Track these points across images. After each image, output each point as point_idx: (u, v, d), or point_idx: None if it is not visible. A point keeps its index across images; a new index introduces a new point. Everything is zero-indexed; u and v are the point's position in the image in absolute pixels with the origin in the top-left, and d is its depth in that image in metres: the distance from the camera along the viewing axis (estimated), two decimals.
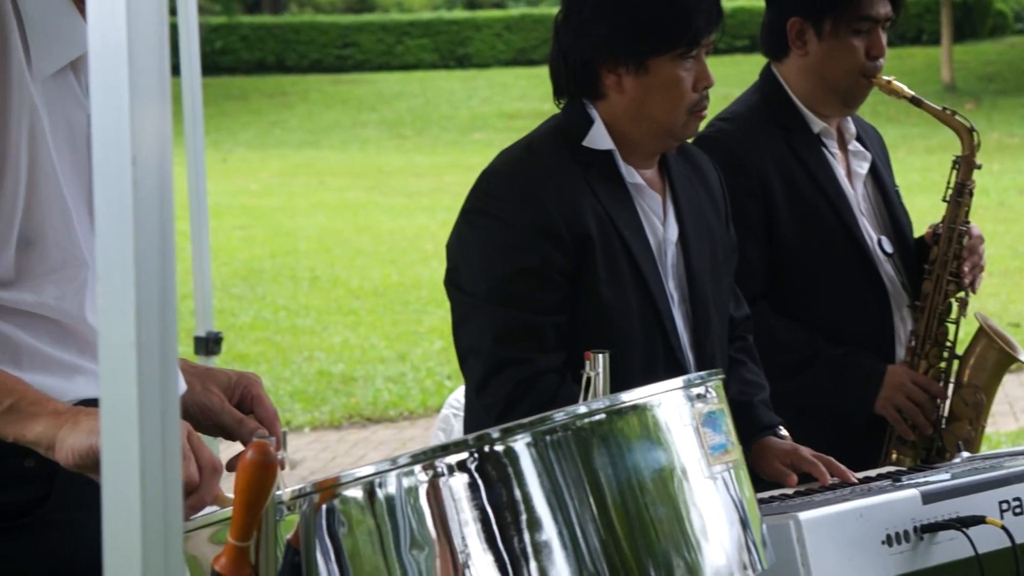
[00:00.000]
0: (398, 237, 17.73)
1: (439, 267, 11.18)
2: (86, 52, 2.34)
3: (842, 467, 3.17)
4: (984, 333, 3.72)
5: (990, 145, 29.43)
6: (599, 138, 3.12)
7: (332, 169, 25.65)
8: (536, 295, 3.03)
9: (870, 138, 3.91)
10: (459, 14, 40.64)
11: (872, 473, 3.18)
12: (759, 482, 3.21)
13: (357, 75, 37.73)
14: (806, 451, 3.22)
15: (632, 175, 3.15)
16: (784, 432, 3.31)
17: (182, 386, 2.36)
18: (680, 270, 3.18)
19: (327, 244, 16.92)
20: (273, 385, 9.84)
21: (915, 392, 3.63)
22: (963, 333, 3.81)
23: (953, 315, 3.72)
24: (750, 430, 3.26)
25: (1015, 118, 31.97)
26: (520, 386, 3.03)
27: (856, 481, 3.09)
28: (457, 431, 4.97)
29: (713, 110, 3.41)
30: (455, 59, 39.23)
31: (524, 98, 34.73)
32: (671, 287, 3.15)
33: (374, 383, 10.07)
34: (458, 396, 5.14)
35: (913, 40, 39.92)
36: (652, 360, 3.09)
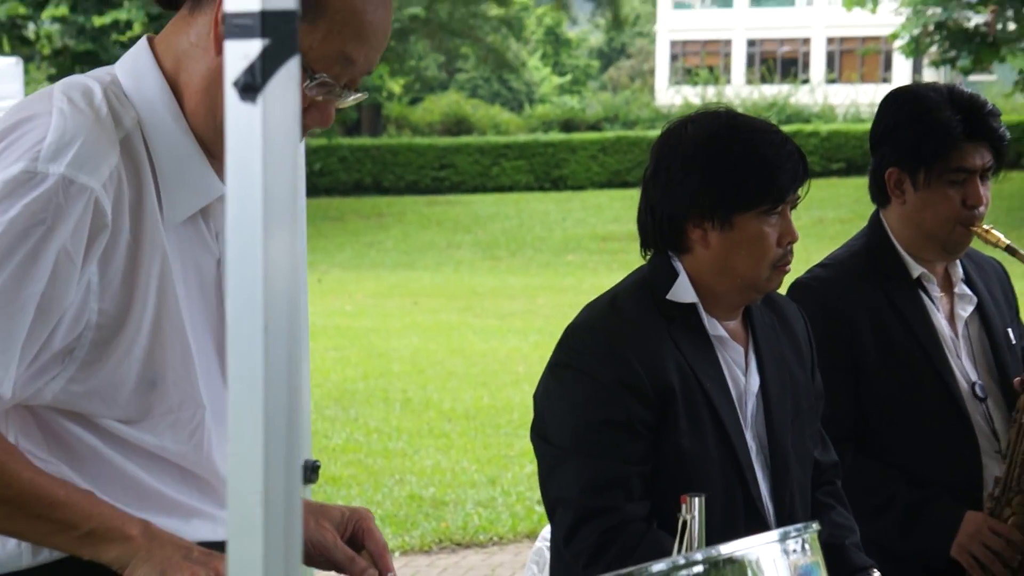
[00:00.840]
0: (490, 359, 17.80)
1: (530, 389, 11.15)
2: (215, 200, 2.45)
3: None
4: None
5: None
6: (683, 291, 3.18)
7: (426, 290, 25.88)
8: (621, 446, 3.09)
9: (986, 275, 3.92)
10: (555, 136, 41.06)
11: None
12: None
13: (452, 196, 38.19)
14: None
15: (715, 327, 3.20)
16: (878, 574, 3.31)
17: None
18: (760, 421, 3.22)
19: (420, 366, 17.03)
20: (366, 504, 9.88)
21: (992, 540, 3.60)
22: None
23: None
24: (844, 572, 3.27)
25: None
26: (607, 534, 3.08)
27: None
28: (550, 564, 4.99)
29: (806, 231, 3.44)
30: (550, 181, 39.60)
31: (618, 220, 34.94)
32: (751, 437, 3.19)
33: (464, 507, 10.08)
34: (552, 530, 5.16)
35: (1012, 164, 39.78)
36: (732, 509, 3.13)
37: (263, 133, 1.42)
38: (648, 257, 3.28)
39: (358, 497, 10.24)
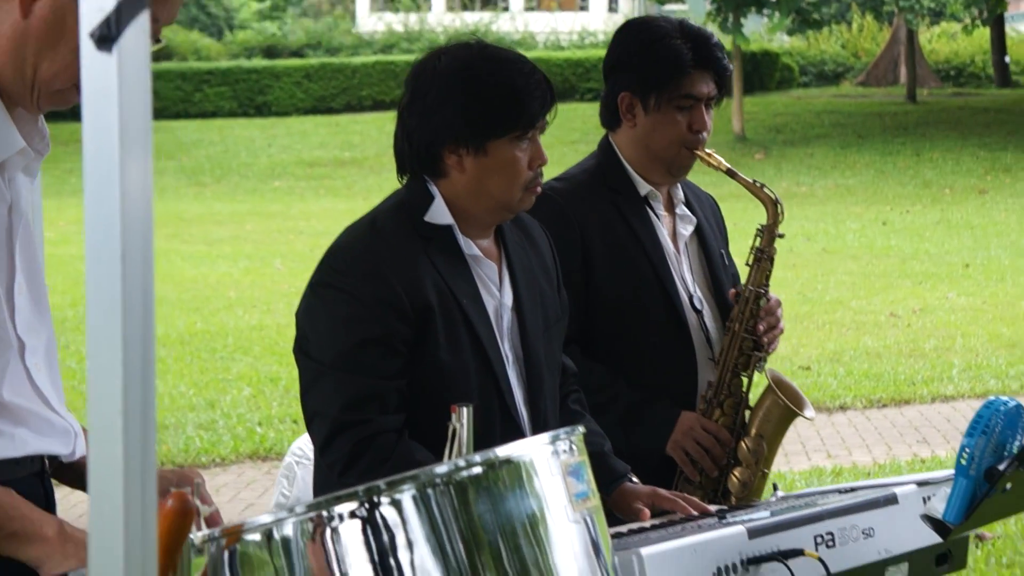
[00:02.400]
0: (200, 285, 17.76)
1: (244, 314, 11.33)
2: (9, 156, 2.59)
3: (698, 501, 3.49)
4: (772, 389, 4.02)
5: (779, 194, 30.30)
6: (439, 213, 3.36)
7: None
8: (380, 362, 3.24)
9: (702, 203, 4.21)
10: (258, 63, 40.63)
11: (695, 512, 3.48)
12: (613, 518, 3.49)
13: (155, 122, 37.36)
14: (664, 492, 3.53)
15: (470, 247, 3.39)
16: (635, 477, 3.60)
17: None
18: (515, 333, 3.42)
19: None
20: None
21: (703, 437, 3.92)
22: (759, 386, 4.11)
23: (748, 370, 4.01)
24: (608, 479, 3.56)
25: (802, 168, 33.01)
26: (360, 445, 3.24)
27: (713, 512, 3.41)
28: (300, 477, 5.17)
29: (570, 157, 3.69)
30: (254, 107, 39.22)
31: (323, 146, 34.91)
32: (506, 349, 3.40)
33: (185, 430, 10.14)
34: (300, 444, 5.33)
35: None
36: (488, 417, 3.32)
37: (119, 81, 1.58)
38: (404, 181, 3.45)
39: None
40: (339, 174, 31.36)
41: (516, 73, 3.33)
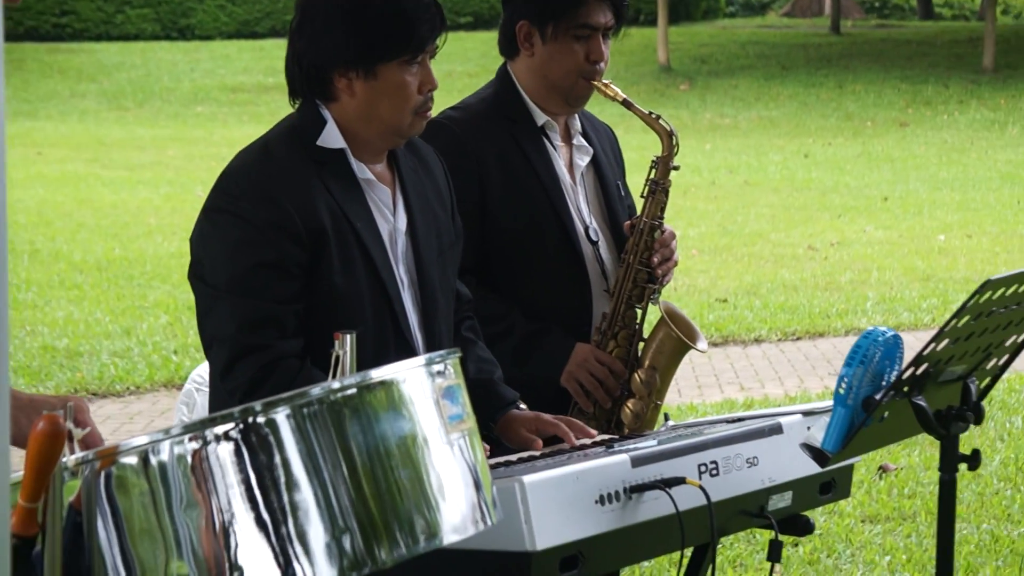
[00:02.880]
0: (120, 211, 17.62)
1: (163, 241, 11.29)
2: None
3: (583, 425, 3.53)
4: (664, 322, 4.05)
5: (703, 125, 30.47)
6: (332, 138, 3.35)
7: (50, 140, 25.23)
8: (275, 286, 3.25)
9: (599, 134, 4.22)
10: None
11: (588, 440, 3.52)
12: (503, 447, 3.52)
13: (75, 44, 37.05)
14: (548, 417, 3.55)
15: (363, 171, 3.39)
16: (523, 405, 3.63)
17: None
18: (409, 257, 3.43)
19: (47, 217, 16.74)
20: None
21: (597, 369, 3.95)
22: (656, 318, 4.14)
23: (643, 302, 4.04)
24: (495, 406, 3.58)
25: (727, 99, 33.09)
26: (263, 370, 3.25)
27: (596, 435, 3.45)
28: (200, 405, 5.17)
29: (465, 87, 3.69)
30: (177, 30, 38.79)
31: (247, 71, 34.59)
32: (401, 273, 3.41)
33: (100, 358, 10.09)
34: (200, 372, 5.33)
35: (630, 21, 40.68)
36: (383, 341, 3.34)
37: None
38: (296, 105, 3.44)
39: None
40: (263, 100, 31.11)
41: None
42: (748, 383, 9.71)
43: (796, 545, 6.16)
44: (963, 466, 7.22)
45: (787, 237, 16.18)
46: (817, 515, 6.49)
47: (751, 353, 10.63)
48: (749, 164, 23.93)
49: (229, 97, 32.33)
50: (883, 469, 7.14)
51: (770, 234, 16.39)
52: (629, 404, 4.00)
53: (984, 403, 8.65)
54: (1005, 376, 9.41)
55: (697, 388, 9.55)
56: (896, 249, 15.25)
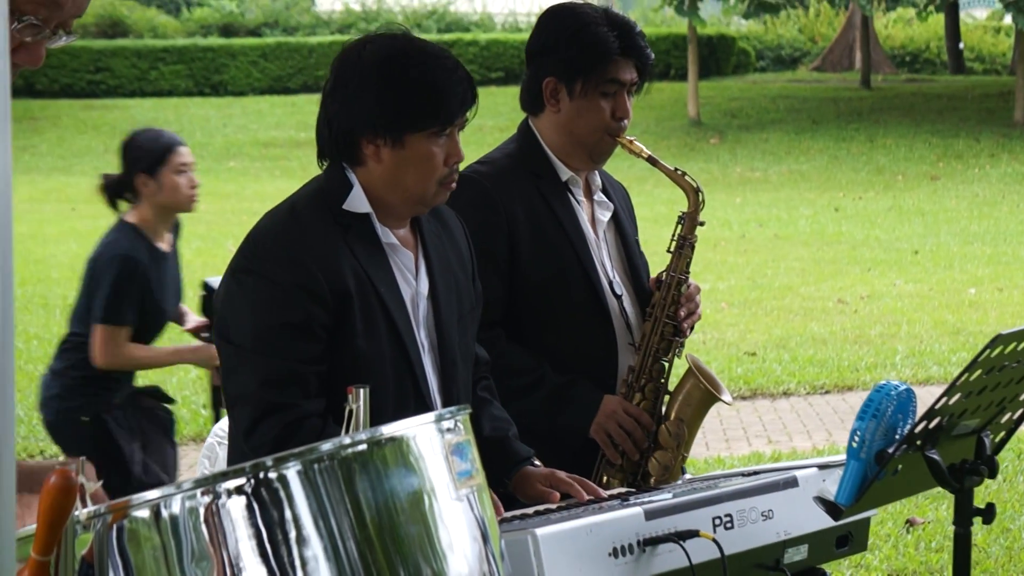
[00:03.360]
0: None
1: (194, 296, 11.21)
2: None
3: (594, 486, 3.54)
4: (692, 373, 4.08)
5: (733, 179, 30.52)
6: (358, 202, 3.40)
7: (83, 196, 25.27)
8: (300, 346, 3.28)
9: (616, 191, 4.28)
10: (214, 41, 40.43)
11: (605, 494, 3.54)
12: (517, 504, 3.55)
13: (109, 100, 37.33)
14: (562, 474, 3.58)
15: (387, 235, 3.43)
16: (538, 461, 3.66)
17: None
18: (430, 322, 3.47)
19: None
20: (26, 415, 9.86)
21: (625, 420, 3.99)
22: (679, 371, 4.16)
23: (669, 355, 4.08)
24: (510, 462, 3.62)
25: (756, 152, 33.13)
26: (287, 429, 3.28)
27: (606, 498, 3.46)
28: (221, 459, 5.20)
29: (466, 139, 3.74)
30: (210, 86, 39.06)
31: (279, 126, 34.81)
32: (422, 337, 3.44)
33: None
34: (223, 426, 5.35)
35: (661, 75, 40.98)
36: (403, 403, 3.37)
37: None
38: (324, 167, 3.49)
39: (20, 403, 10.21)
40: (294, 155, 31.31)
41: (438, 69, 3.37)
42: (776, 436, 9.70)
43: None
44: (991, 523, 7.19)
45: (817, 291, 16.18)
46: (843, 570, 6.48)
47: (779, 407, 10.62)
48: (779, 218, 23.93)
49: (261, 152, 32.54)
50: (910, 523, 7.12)
51: (800, 288, 16.39)
52: (656, 456, 4.02)
53: (1012, 456, 8.67)
54: None
55: (725, 441, 9.55)
56: (926, 303, 15.23)
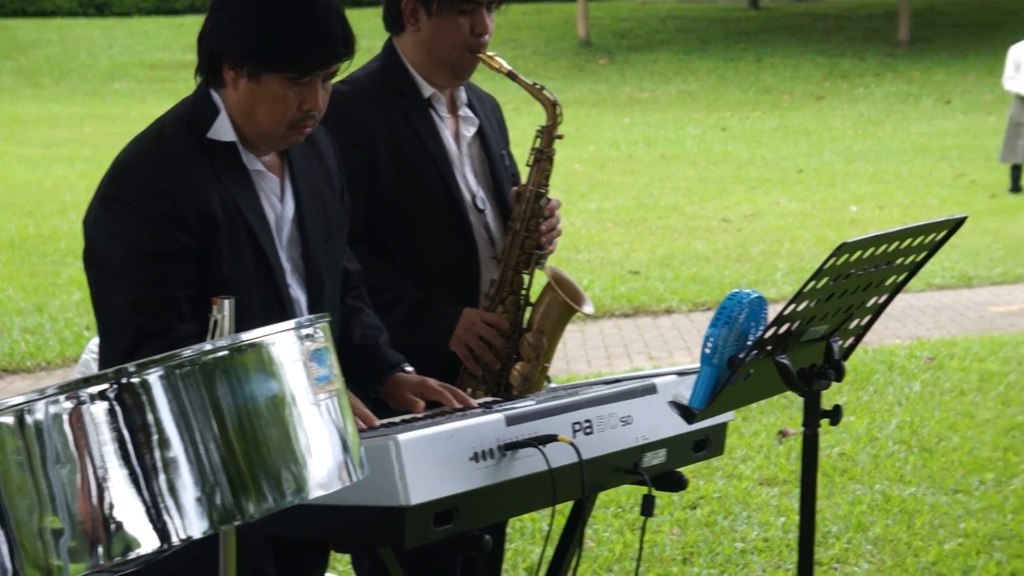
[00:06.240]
0: (35, 188, 17.56)
1: (77, 219, 11.19)
2: None
3: (464, 395, 3.62)
4: (551, 286, 4.16)
5: (621, 99, 30.63)
6: (223, 130, 3.40)
7: None
8: (169, 273, 3.29)
9: (484, 105, 4.32)
10: None
11: (475, 403, 3.63)
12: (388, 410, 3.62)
13: None
14: (433, 382, 3.65)
15: (252, 162, 3.44)
16: (409, 367, 3.72)
17: None
18: (295, 243, 3.51)
19: None
20: None
21: (485, 331, 4.06)
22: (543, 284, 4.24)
23: (529, 268, 4.14)
24: (380, 368, 3.67)
25: (645, 73, 33.26)
26: (165, 352, 3.31)
27: (475, 406, 3.55)
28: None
29: (359, 61, 3.75)
30: (94, 6, 38.49)
31: (166, 48, 34.44)
32: (287, 259, 3.48)
33: (11, 334, 10.10)
34: (97, 342, 5.38)
35: None
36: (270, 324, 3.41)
37: None
38: (197, 85, 3.49)
39: None
40: (181, 76, 30.97)
41: (314, 18, 3.34)
42: (657, 352, 9.86)
43: (695, 507, 6.31)
44: (860, 432, 7.38)
45: (702, 210, 16.36)
46: (716, 478, 6.65)
47: (661, 324, 10.78)
48: (667, 138, 24.10)
49: (147, 74, 32.18)
50: (783, 434, 7.30)
51: (685, 207, 16.57)
52: (517, 367, 4.10)
53: (884, 368, 8.85)
54: (906, 343, 9.65)
55: (607, 358, 9.69)
56: (808, 220, 15.46)
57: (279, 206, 3.47)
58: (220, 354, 2.42)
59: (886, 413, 7.77)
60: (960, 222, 3.48)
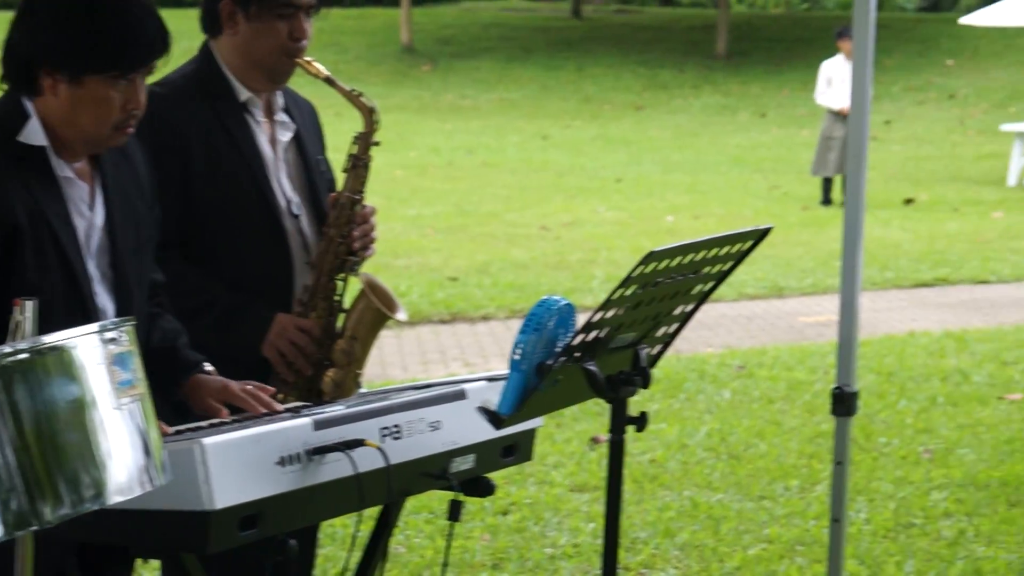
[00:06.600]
0: None
1: None
2: None
3: (268, 399, 3.59)
4: (365, 293, 4.16)
5: (443, 106, 30.69)
6: (34, 134, 3.33)
7: None
8: None
9: (301, 111, 4.30)
10: None
11: (281, 407, 3.61)
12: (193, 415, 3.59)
13: None
14: (235, 386, 3.61)
15: (63, 169, 3.38)
16: (210, 367, 3.68)
17: None
18: (105, 252, 3.46)
19: None
20: None
21: (297, 336, 4.05)
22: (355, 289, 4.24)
23: (343, 274, 4.14)
24: (180, 370, 3.63)
25: (468, 80, 33.39)
26: None
27: (281, 410, 3.52)
28: None
29: (176, 62, 3.71)
30: None
31: None
32: (93, 268, 3.42)
33: None
34: None
35: (375, 1, 40.87)
36: None
37: None
38: (5, 91, 3.42)
39: None
40: None
41: (129, 13, 3.30)
42: (473, 359, 9.90)
43: (506, 513, 6.35)
44: (670, 439, 7.50)
45: (521, 217, 16.47)
46: (528, 484, 6.70)
47: (478, 330, 10.82)
48: (488, 145, 24.22)
49: None
50: (594, 440, 7.37)
51: (504, 214, 16.66)
52: (329, 373, 4.09)
53: (695, 376, 8.99)
54: (718, 351, 9.81)
55: (423, 364, 9.70)
56: (626, 229, 15.65)
57: (89, 214, 3.41)
58: (20, 357, 2.38)
59: (696, 420, 7.89)
60: (765, 232, 3.55)
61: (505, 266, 13.15)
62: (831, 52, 18.96)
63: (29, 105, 3.35)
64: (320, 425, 3.14)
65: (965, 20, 23.63)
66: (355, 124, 4.21)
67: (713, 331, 10.67)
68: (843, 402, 4.52)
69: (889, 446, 7.49)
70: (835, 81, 17.89)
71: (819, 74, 18.36)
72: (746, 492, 6.69)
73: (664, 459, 7.14)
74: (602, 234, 15.26)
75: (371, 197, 4.17)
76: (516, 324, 11.66)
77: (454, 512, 3.42)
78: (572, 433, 7.53)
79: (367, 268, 4.21)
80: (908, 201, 18.31)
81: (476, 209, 16.99)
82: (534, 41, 37.04)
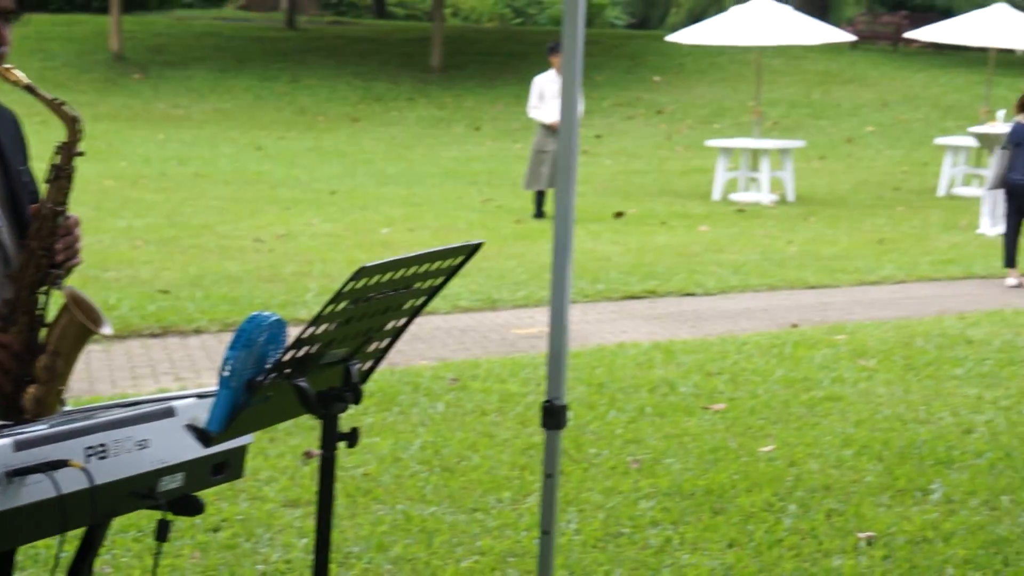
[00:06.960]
0: None
1: None
2: None
3: None
4: (68, 308, 4.06)
5: (155, 115, 30.22)
6: None
7: None
8: None
9: (3, 120, 4.17)
10: None
11: None
12: None
13: None
14: None
15: None
16: None
17: None
18: None
19: None
20: None
21: None
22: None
23: (45, 287, 4.04)
24: None
25: (181, 89, 32.93)
26: None
27: None
28: None
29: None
30: None
31: None
32: None
33: None
34: None
35: (83, 8, 40.04)
36: None
37: None
38: None
39: None
40: None
41: None
42: (184, 373, 9.74)
43: (217, 530, 6.26)
44: (384, 452, 7.49)
45: (234, 229, 16.31)
46: (240, 500, 6.62)
47: (190, 344, 10.67)
48: (201, 156, 23.92)
49: None
50: (307, 455, 7.33)
51: (217, 226, 16.48)
52: (31, 389, 3.97)
53: (409, 389, 9.00)
54: (432, 364, 9.86)
55: (132, 379, 9.51)
56: (340, 241, 15.63)
57: None
58: None
59: (410, 434, 7.91)
60: (476, 248, 3.58)
61: (218, 279, 13.00)
62: (544, 67, 19.24)
63: None
64: (22, 446, 3.04)
65: (671, 38, 24.24)
66: (63, 133, 4.11)
67: (427, 344, 10.72)
68: (553, 415, 4.58)
69: (599, 457, 7.62)
70: (547, 95, 18.16)
71: (531, 88, 18.61)
72: (459, 505, 6.73)
73: (377, 473, 7.13)
74: (316, 246, 15.21)
75: (80, 208, 4.07)
76: (229, 337, 11.43)
77: (162, 532, 3.36)
78: (285, 448, 7.47)
79: (74, 281, 4.10)
80: (618, 214, 18.71)
81: (188, 221, 16.76)
82: (248, 51, 36.73)
